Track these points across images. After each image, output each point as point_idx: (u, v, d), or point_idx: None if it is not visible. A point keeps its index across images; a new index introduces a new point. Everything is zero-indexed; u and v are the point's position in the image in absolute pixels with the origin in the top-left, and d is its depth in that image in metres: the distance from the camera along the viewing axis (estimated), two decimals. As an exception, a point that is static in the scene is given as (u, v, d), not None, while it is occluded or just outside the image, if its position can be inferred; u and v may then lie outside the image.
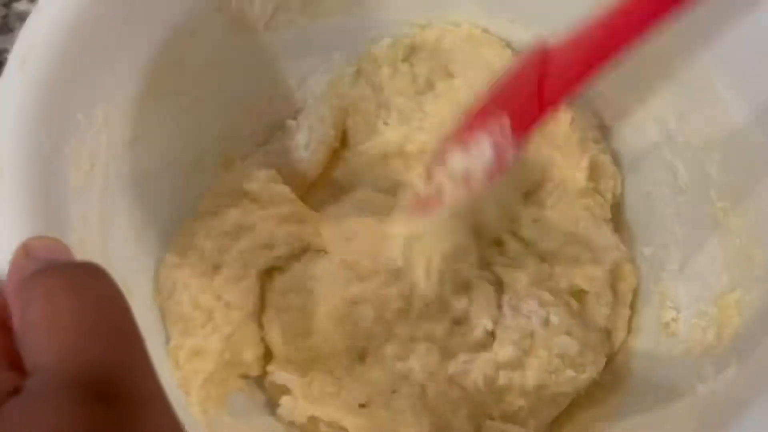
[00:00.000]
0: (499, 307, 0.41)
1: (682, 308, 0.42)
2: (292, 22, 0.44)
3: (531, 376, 0.40)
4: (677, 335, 0.41)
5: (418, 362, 0.39)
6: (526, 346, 0.40)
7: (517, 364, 0.40)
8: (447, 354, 0.40)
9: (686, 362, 0.39)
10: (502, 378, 0.40)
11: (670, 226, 0.44)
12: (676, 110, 0.42)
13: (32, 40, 0.32)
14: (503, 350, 0.40)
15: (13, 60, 0.31)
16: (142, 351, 0.23)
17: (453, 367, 0.40)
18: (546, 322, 0.41)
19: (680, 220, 0.43)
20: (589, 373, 0.41)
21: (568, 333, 0.41)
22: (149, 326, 0.38)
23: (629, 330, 0.44)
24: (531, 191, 0.45)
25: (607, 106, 0.47)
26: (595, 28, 0.32)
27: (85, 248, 0.32)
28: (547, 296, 0.41)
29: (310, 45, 0.46)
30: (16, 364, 0.24)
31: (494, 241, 0.43)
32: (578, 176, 0.44)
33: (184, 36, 0.40)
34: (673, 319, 0.42)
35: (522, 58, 0.35)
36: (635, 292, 0.44)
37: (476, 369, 0.40)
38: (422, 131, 0.46)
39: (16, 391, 0.22)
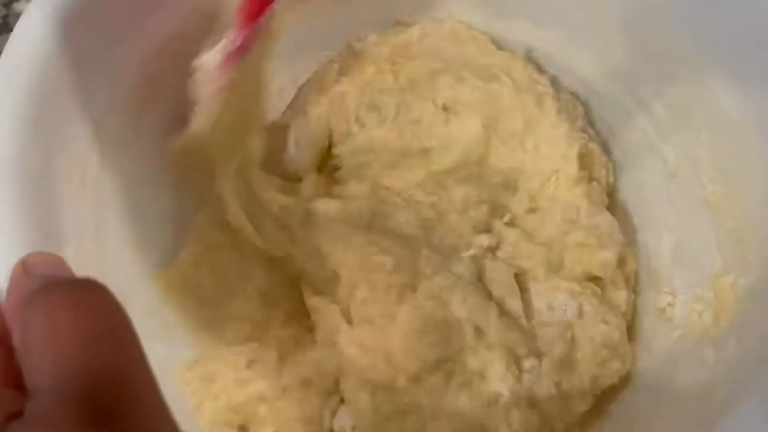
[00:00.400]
0: (528, 302, 0.40)
1: (677, 293, 0.42)
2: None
3: (585, 372, 0.39)
4: (674, 320, 0.41)
5: (503, 383, 0.37)
6: (569, 339, 0.39)
7: (566, 363, 0.39)
8: (515, 358, 0.38)
9: (685, 347, 0.39)
10: (565, 383, 0.38)
11: (662, 211, 0.44)
12: (662, 97, 0.43)
13: (19, 55, 0.32)
14: (553, 348, 0.39)
15: (1, 74, 0.31)
16: (143, 367, 0.23)
17: (527, 378, 0.38)
18: (580, 313, 0.40)
19: (672, 205, 0.43)
20: (629, 363, 0.40)
21: (605, 321, 0.40)
22: (148, 337, 0.38)
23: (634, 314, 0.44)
24: (515, 182, 0.44)
25: (593, 95, 0.47)
26: None
27: (80, 261, 0.32)
28: (574, 286, 0.41)
29: (298, 45, 0.45)
30: (19, 384, 0.24)
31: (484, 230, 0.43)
32: (569, 166, 0.44)
33: (169, 44, 0.39)
34: (669, 305, 0.42)
35: None
36: (636, 277, 0.44)
37: (544, 375, 0.38)
38: (393, 131, 0.45)
39: (17, 414, 0.21)
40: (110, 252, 0.36)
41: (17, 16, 0.52)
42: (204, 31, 0.40)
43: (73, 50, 0.33)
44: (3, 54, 0.31)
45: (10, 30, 0.52)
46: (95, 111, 0.35)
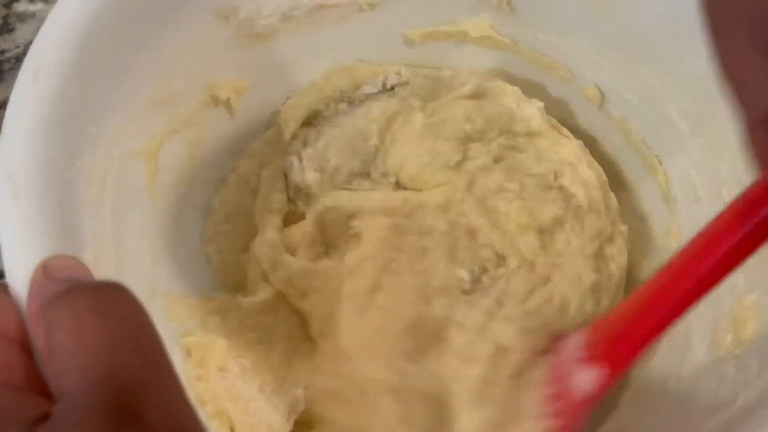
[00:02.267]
0: None
1: (698, 312, 0.41)
2: (300, 30, 0.44)
3: None
4: (693, 339, 0.41)
5: None
6: None
7: None
8: None
9: (705, 366, 0.39)
10: None
11: (682, 229, 0.44)
12: (684, 112, 0.42)
13: (44, 53, 0.31)
14: None
15: (25, 73, 0.31)
16: (170, 372, 0.23)
17: None
18: None
19: (693, 223, 0.43)
20: None
21: None
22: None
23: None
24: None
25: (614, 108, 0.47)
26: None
27: (99, 265, 0.31)
28: None
29: (318, 51, 0.46)
30: (39, 388, 0.23)
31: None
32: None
33: (191, 46, 0.39)
34: (690, 323, 0.41)
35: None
36: None
37: None
38: None
39: (44, 417, 0.21)
40: (128, 256, 0.36)
41: (17, 16, 0.53)
42: (228, 34, 0.41)
43: (97, 51, 0.33)
44: (28, 54, 0.31)
45: (11, 30, 0.53)
46: (116, 113, 0.35)
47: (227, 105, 0.44)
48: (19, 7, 0.54)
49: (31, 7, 0.54)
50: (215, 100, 0.43)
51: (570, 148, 0.45)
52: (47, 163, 0.29)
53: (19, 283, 0.26)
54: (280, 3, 0.42)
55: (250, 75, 0.44)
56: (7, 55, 0.52)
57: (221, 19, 0.40)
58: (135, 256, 0.37)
